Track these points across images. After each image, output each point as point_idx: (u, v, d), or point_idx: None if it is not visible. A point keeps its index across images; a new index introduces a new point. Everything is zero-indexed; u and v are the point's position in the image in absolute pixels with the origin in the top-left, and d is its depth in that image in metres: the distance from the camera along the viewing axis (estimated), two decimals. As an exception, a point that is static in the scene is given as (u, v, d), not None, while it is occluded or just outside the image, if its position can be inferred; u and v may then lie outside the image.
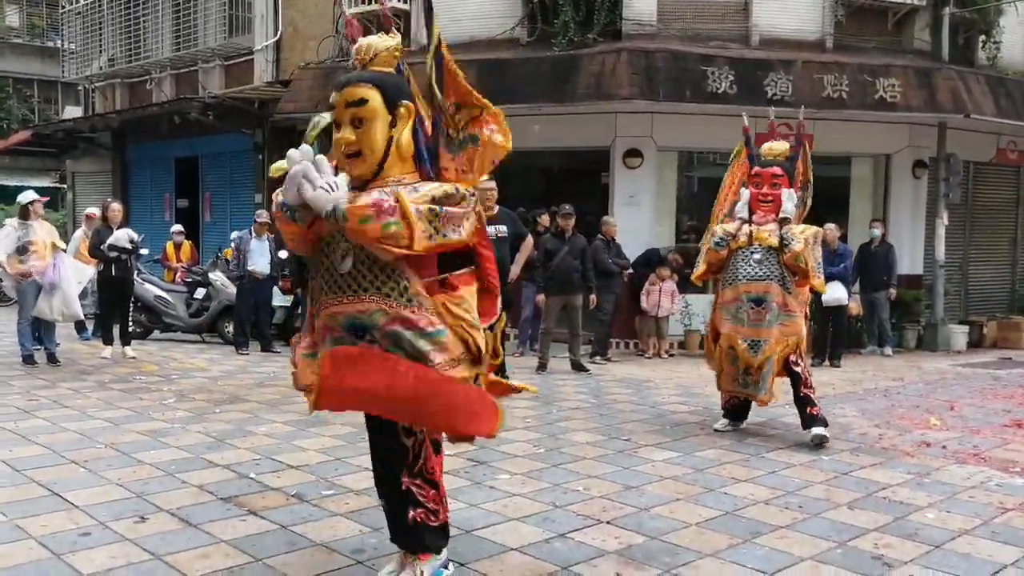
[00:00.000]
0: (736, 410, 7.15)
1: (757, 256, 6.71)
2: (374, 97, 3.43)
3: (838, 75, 12.40)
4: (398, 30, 3.97)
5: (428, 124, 3.59)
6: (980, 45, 14.46)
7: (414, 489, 3.56)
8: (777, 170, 6.82)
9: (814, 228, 6.91)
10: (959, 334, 13.69)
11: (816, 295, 11.54)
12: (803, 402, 6.65)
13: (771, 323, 6.65)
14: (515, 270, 9.03)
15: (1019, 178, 16.26)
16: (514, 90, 11.98)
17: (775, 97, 12.12)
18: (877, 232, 12.83)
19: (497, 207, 8.73)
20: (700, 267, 7.12)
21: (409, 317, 3.37)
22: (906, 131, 13.76)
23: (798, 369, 6.70)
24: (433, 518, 3.59)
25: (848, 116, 12.79)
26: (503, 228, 8.64)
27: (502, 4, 13.23)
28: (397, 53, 3.62)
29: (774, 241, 6.66)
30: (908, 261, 13.84)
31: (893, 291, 12.83)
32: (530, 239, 9.52)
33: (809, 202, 7.16)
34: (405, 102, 3.49)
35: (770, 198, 6.76)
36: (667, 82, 11.95)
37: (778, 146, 7.02)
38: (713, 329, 7.11)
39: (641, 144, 12.91)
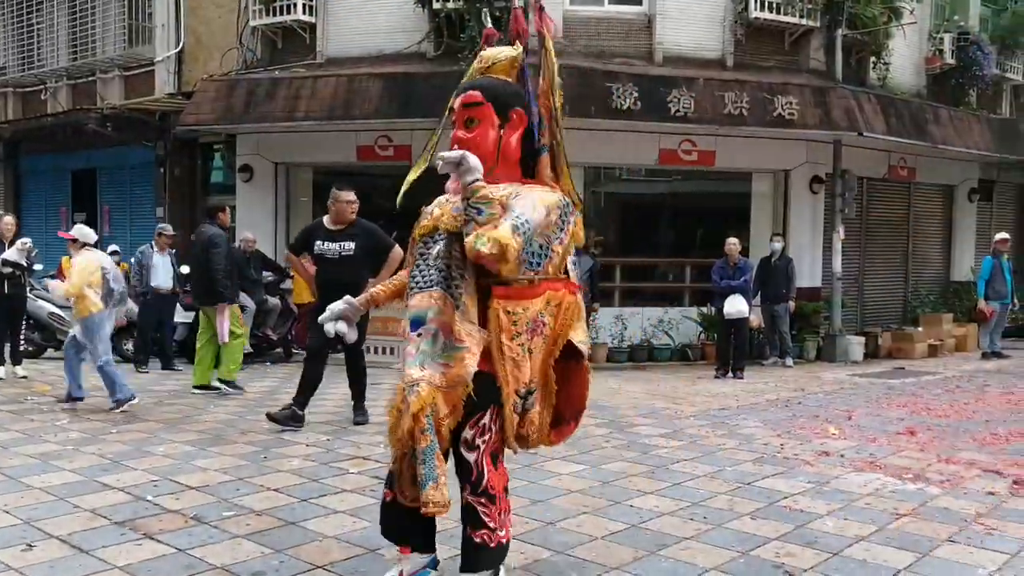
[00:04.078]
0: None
1: (435, 250, 3.47)
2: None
3: (738, 92, 12.72)
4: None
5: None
6: (871, 66, 15.01)
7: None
8: (475, 95, 3.52)
9: (540, 189, 3.45)
10: (856, 345, 14.09)
11: (719, 309, 11.91)
12: (467, 514, 3.47)
13: (424, 359, 3.34)
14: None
15: (909, 194, 16.91)
16: (421, 104, 11.98)
17: (678, 113, 12.40)
18: (777, 246, 13.12)
19: (356, 218, 7.88)
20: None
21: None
22: (804, 148, 14.16)
23: (471, 457, 3.44)
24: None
25: (749, 133, 13.13)
26: (349, 245, 7.70)
27: (409, 18, 13.21)
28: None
29: (454, 223, 3.40)
30: (807, 274, 14.23)
31: (792, 303, 13.16)
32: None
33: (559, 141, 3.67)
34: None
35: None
36: (572, 98, 12.03)
37: (494, 52, 3.74)
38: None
39: (548, 159, 12.96)
